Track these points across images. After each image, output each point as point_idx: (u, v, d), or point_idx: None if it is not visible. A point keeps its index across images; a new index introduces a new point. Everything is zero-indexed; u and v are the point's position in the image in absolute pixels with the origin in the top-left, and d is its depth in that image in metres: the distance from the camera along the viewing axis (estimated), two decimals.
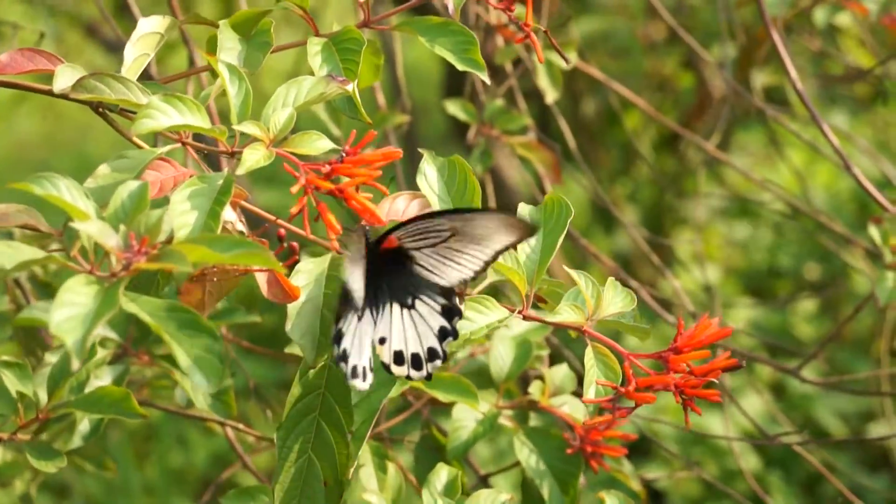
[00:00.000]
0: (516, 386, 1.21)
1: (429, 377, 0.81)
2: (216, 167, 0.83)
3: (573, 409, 1.15)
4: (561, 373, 1.19)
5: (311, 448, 0.86)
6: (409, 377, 0.81)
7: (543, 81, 1.49)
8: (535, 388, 1.17)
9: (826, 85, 2.40)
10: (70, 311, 0.66)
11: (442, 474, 1.00)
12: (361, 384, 0.79)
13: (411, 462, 1.20)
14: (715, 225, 2.86)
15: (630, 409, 0.82)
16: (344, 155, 0.80)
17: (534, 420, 1.19)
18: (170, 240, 0.75)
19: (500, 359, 1.17)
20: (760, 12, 1.35)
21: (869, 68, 1.69)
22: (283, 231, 0.85)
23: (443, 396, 1.08)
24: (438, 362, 0.81)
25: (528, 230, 0.80)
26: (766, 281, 2.84)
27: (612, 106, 2.14)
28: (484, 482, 1.22)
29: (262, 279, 0.83)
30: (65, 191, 0.73)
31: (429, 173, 0.87)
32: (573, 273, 0.85)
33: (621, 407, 0.82)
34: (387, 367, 0.81)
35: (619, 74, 2.12)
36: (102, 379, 1.11)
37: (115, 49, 2.26)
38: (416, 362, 0.81)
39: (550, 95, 1.51)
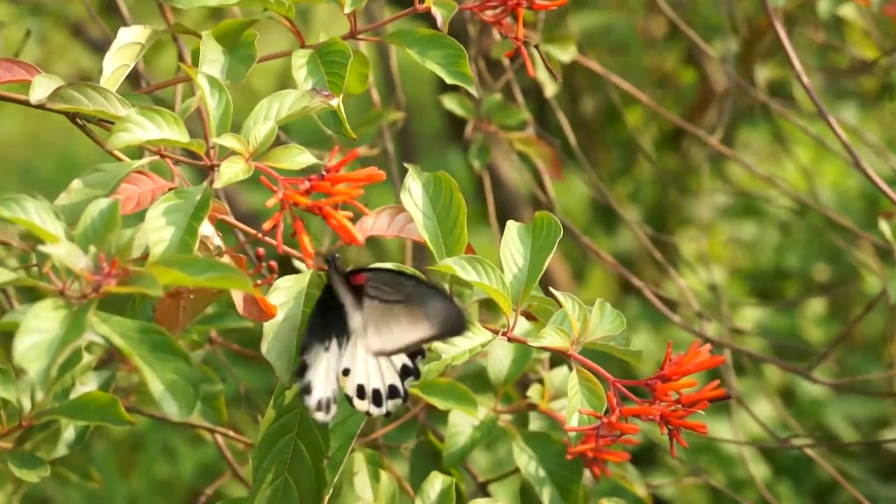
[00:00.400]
0: (515, 389, 1.21)
1: (388, 415, 0.82)
2: (204, 177, 0.84)
3: None
4: (561, 376, 1.19)
5: (287, 470, 0.86)
6: (368, 413, 0.82)
7: (541, 75, 1.49)
8: (534, 392, 1.17)
9: (832, 79, 2.40)
10: (35, 338, 0.67)
11: (436, 483, 1.00)
12: (324, 417, 0.79)
13: (408, 470, 1.20)
14: (719, 224, 2.86)
15: (615, 438, 0.82)
16: (325, 172, 0.81)
17: (533, 424, 1.19)
18: (145, 256, 0.75)
19: (499, 361, 1.17)
20: (763, 3, 1.35)
21: (874, 59, 1.69)
22: (262, 251, 0.85)
23: (439, 403, 1.08)
24: (399, 401, 0.82)
25: (456, 328, 0.80)
26: (773, 282, 2.84)
27: (612, 103, 2.15)
28: (482, 490, 1.22)
29: (237, 297, 0.83)
30: (33, 213, 0.73)
31: (413, 189, 0.87)
32: (559, 295, 0.85)
33: (605, 435, 0.82)
34: (350, 400, 0.82)
35: (618, 71, 2.12)
36: (88, 385, 1.11)
37: (101, 49, 2.25)
38: (377, 398, 0.82)
39: (549, 89, 1.51)
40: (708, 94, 2.50)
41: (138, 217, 0.78)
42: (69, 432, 1.05)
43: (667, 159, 2.77)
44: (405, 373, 0.82)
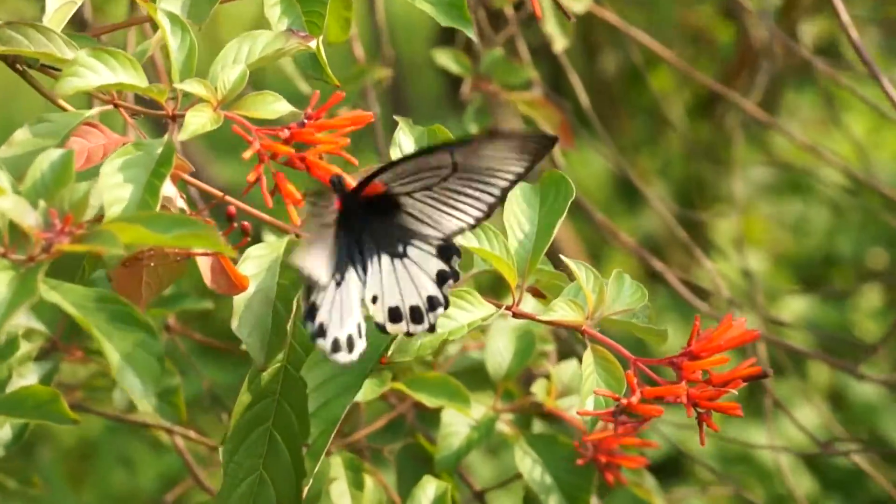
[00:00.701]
0: (517, 386, 1.21)
1: (432, 329, 0.82)
2: (162, 133, 0.84)
3: None
4: (570, 370, 1.19)
5: (262, 465, 0.86)
6: (409, 333, 0.82)
7: (551, 26, 1.49)
8: (539, 388, 1.17)
9: (890, 34, 2.40)
10: None
11: (429, 489, 1.01)
12: (346, 357, 0.79)
13: (394, 478, 1.21)
14: (759, 203, 2.86)
15: (636, 424, 0.82)
16: (305, 120, 0.81)
17: (538, 426, 1.20)
18: (99, 218, 0.75)
19: (498, 354, 1.18)
20: None
21: None
22: (233, 209, 0.85)
23: (428, 400, 1.09)
24: (441, 310, 0.81)
25: (544, 147, 0.80)
26: (821, 269, 2.84)
27: (637, 63, 2.15)
28: (479, 499, 1.23)
29: (204, 266, 0.83)
30: None
31: (405, 144, 0.87)
32: (571, 263, 0.85)
33: (625, 421, 0.82)
34: (382, 328, 0.82)
35: (644, 26, 2.13)
36: (27, 378, 1.11)
37: None
38: (416, 315, 0.81)
39: (559, 43, 1.51)
40: (747, 53, 2.50)
41: (88, 176, 0.78)
42: (5, 431, 1.05)
43: (700, 129, 2.77)
44: (441, 279, 0.82)
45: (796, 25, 1.99)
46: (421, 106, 3.13)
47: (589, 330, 0.85)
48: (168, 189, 0.81)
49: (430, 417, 1.19)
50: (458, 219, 0.82)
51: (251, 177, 0.78)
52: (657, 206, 1.84)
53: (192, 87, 0.81)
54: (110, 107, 0.85)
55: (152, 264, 0.85)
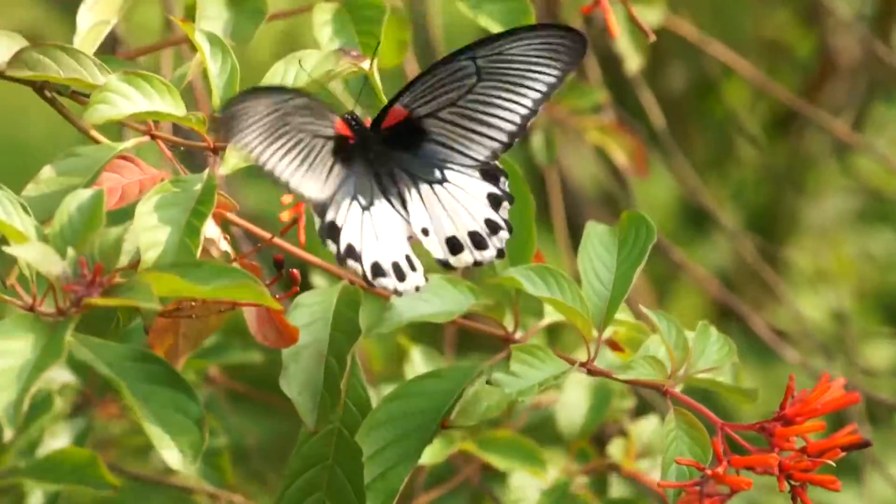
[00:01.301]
0: (592, 445, 1.23)
1: (500, 255, 0.82)
2: (202, 168, 0.85)
3: None
4: (650, 428, 1.21)
5: None
6: (476, 263, 0.82)
7: (625, 44, 1.50)
8: (616, 448, 1.19)
9: None
10: (2, 363, 0.66)
11: None
12: (395, 283, 0.79)
13: None
14: (845, 233, 2.85)
15: (724, 497, 0.81)
16: None
17: (616, 489, 1.21)
18: (135, 264, 0.75)
19: (572, 408, 1.19)
20: None
21: None
22: (280, 255, 0.85)
23: (499, 462, 1.10)
24: (504, 234, 0.82)
25: (574, 43, 0.80)
26: None
27: (707, 75, 2.16)
28: None
29: (251, 316, 0.83)
30: None
31: None
32: (651, 315, 0.84)
33: (711, 493, 0.80)
34: (445, 264, 0.82)
35: (717, 35, 2.14)
36: (59, 438, 1.12)
37: (65, 6, 2.27)
38: (478, 241, 0.82)
39: (633, 62, 1.51)
40: (830, 64, 2.51)
41: (123, 215, 0.77)
42: (36, 497, 1.06)
43: (778, 149, 2.77)
44: (494, 201, 0.82)
45: (890, 33, 2.00)
46: None
47: (672, 391, 0.84)
48: (210, 230, 0.81)
49: (499, 479, 1.20)
50: (489, 137, 0.82)
51: (286, 216, 0.79)
52: (733, 236, 1.84)
53: None
54: (146, 138, 0.86)
55: (193, 316, 0.85)
